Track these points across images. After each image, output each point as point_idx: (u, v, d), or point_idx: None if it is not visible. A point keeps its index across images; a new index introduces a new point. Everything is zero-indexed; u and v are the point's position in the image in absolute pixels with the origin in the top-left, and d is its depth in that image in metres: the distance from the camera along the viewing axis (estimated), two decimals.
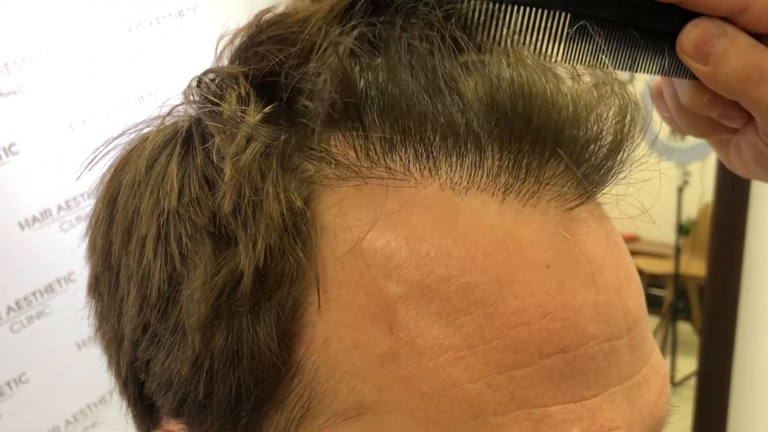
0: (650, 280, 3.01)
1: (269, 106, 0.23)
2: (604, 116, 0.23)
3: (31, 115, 0.89)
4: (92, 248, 0.28)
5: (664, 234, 2.58)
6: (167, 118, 0.26)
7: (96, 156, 0.28)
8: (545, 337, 0.21)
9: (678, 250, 2.57)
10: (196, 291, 0.22)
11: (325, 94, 0.22)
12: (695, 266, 2.57)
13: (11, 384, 0.84)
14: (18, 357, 0.85)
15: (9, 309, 0.83)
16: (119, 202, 0.25)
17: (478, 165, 0.21)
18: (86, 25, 0.97)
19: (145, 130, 0.27)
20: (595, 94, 0.23)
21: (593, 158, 0.23)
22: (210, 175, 0.23)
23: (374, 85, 0.22)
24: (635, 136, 0.24)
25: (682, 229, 2.63)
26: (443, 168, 0.21)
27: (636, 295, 0.24)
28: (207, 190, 0.22)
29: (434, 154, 0.21)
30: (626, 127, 0.23)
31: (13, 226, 0.85)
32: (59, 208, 0.90)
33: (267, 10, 0.24)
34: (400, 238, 0.21)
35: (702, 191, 2.51)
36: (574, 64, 0.24)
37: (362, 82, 0.22)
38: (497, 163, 0.21)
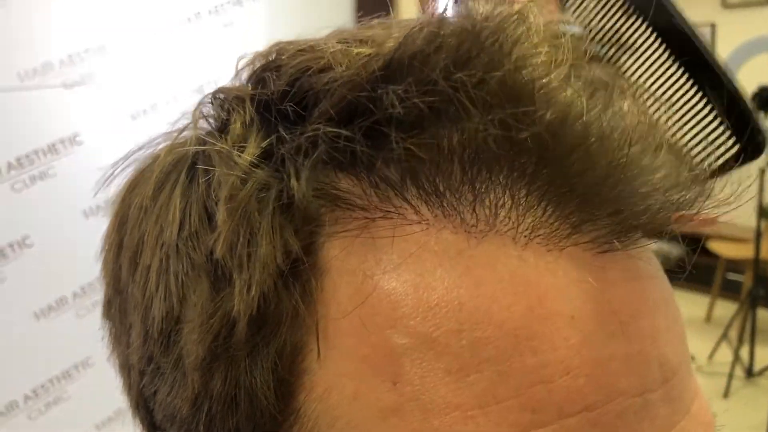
0: (728, 265, 2.88)
1: (269, 139, 0.21)
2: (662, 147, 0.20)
3: (93, 106, 0.91)
4: (104, 270, 0.27)
5: (745, 217, 2.46)
6: (183, 133, 0.25)
7: (114, 171, 0.27)
8: (566, 396, 0.19)
9: (759, 235, 2.46)
10: (194, 331, 0.21)
11: (329, 127, 0.20)
12: None
13: None
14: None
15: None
16: (128, 226, 0.25)
17: (499, 205, 0.19)
18: (145, 16, 0.98)
19: (162, 146, 0.26)
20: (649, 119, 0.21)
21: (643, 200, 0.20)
22: (210, 209, 0.22)
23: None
24: (699, 174, 0.21)
25: (764, 212, 2.50)
26: (459, 208, 0.19)
27: (676, 341, 0.21)
28: (207, 224, 0.21)
29: (449, 193, 0.19)
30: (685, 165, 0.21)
31: (78, 218, 0.88)
32: None
33: (287, 43, 0.23)
34: (408, 285, 0.19)
35: None
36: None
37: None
38: (523, 202, 0.19)
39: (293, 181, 0.20)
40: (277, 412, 0.21)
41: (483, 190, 0.19)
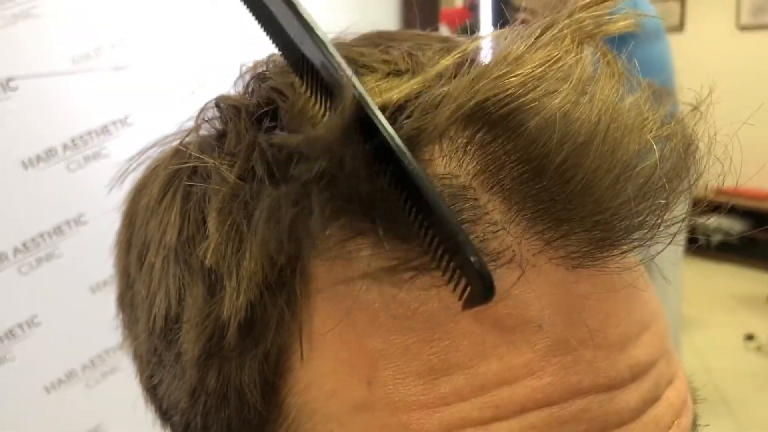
0: None
1: (255, 154, 0.22)
2: (647, 163, 0.20)
3: (143, 88, 0.93)
4: (116, 264, 0.29)
5: None
6: (188, 137, 0.26)
7: (128, 168, 0.29)
8: (528, 394, 0.20)
9: None
10: (190, 331, 0.22)
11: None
12: None
13: None
14: None
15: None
16: (136, 224, 0.27)
17: (474, 221, 0.20)
18: None
19: (174, 144, 0.27)
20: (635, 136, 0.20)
21: (624, 219, 0.20)
22: (205, 218, 0.23)
23: None
24: (686, 189, 0.21)
25: None
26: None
27: (649, 341, 0.22)
28: (204, 231, 0.23)
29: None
30: (673, 181, 0.21)
31: None
32: None
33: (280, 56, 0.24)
34: (388, 296, 0.21)
35: None
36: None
37: None
38: (496, 218, 0.20)
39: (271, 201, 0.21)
40: (263, 408, 0.22)
41: (460, 205, 0.20)
